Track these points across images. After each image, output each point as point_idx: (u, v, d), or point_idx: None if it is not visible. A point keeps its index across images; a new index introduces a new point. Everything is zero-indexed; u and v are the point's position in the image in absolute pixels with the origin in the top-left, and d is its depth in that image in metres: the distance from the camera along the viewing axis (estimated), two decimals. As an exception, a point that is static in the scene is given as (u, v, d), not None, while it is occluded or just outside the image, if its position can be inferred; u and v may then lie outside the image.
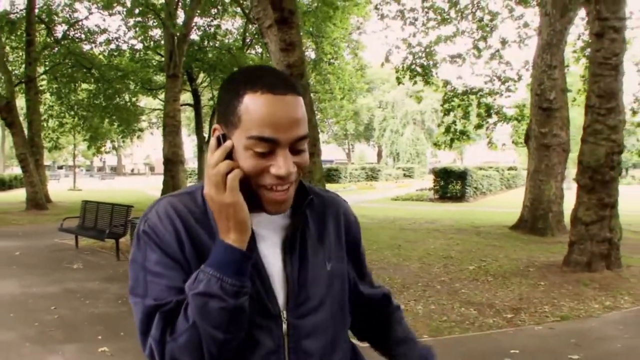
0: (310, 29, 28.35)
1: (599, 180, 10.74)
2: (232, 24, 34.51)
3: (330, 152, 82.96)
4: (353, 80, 35.21)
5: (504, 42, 21.49)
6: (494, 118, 21.61)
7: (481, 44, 22.05)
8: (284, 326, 1.55)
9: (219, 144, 1.48)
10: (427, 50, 22.16)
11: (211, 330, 1.38)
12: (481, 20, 22.02)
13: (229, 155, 1.46)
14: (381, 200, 33.00)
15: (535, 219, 16.62)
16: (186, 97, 38.94)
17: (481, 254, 12.91)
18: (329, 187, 39.44)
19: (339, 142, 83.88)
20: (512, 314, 8.19)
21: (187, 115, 55.21)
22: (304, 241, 1.64)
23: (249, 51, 33.03)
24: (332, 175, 53.15)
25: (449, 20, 22.26)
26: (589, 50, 20.56)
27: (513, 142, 27.63)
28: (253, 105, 1.43)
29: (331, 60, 31.14)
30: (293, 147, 1.48)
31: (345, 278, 1.75)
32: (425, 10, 22.33)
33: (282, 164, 1.44)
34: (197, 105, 37.28)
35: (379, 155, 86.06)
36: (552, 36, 15.78)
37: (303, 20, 26.31)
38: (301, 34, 26.78)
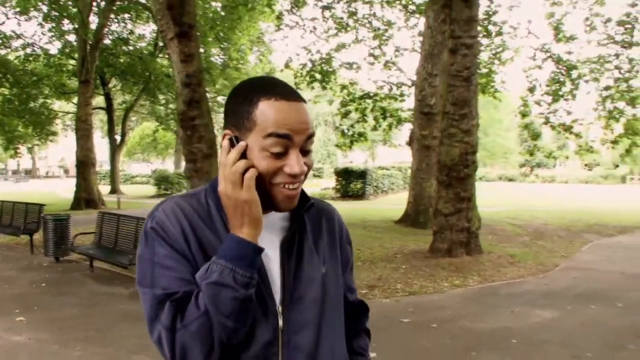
0: (218, 35, 29.03)
1: (455, 177, 12.30)
2: (144, 29, 34.84)
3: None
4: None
5: (397, 50, 22.92)
6: (389, 120, 22.98)
7: (377, 52, 23.40)
8: (280, 321, 1.63)
9: (231, 145, 1.58)
10: (327, 57, 23.36)
11: (222, 318, 1.46)
12: (377, 29, 23.35)
13: (243, 155, 1.56)
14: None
15: (417, 214, 18.20)
16: (100, 100, 39.33)
17: (359, 244, 14.06)
18: None
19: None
20: (367, 290, 9.55)
21: (100, 118, 55.15)
22: (301, 243, 1.74)
23: (160, 56, 33.42)
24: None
25: (347, 30, 23.50)
26: (480, 57, 22.39)
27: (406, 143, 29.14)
28: (269, 109, 1.55)
29: (238, 66, 31.89)
30: (302, 149, 1.59)
31: (339, 282, 1.86)
32: (325, 19, 23.51)
33: (295, 163, 1.56)
34: (109, 109, 37.79)
35: None
36: (433, 47, 17.27)
37: (211, 26, 27.15)
38: (210, 39, 27.68)
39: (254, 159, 1.56)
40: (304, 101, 1.63)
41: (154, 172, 44.47)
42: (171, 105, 34.74)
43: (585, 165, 72.19)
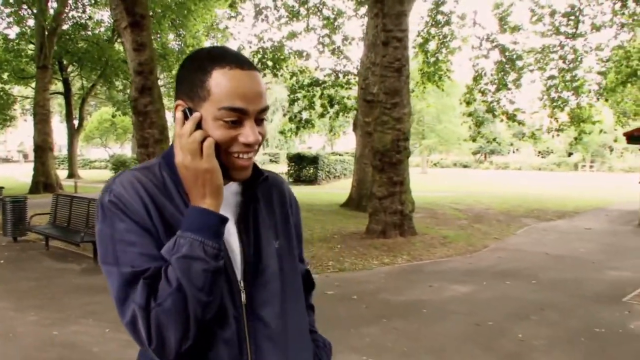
0: (174, 22, 29.19)
1: (387, 162, 12.93)
2: (101, 15, 34.58)
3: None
4: (213, 71, 35.69)
5: (345, 39, 23.41)
6: (336, 108, 23.48)
7: (326, 40, 23.85)
8: (243, 296, 1.62)
9: (185, 117, 1.55)
10: (279, 45, 23.77)
11: (196, 292, 1.44)
12: (327, 18, 23.80)
13: (198, 126, 1.53)
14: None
15: (360, 198, 18.84)
16: (59, 85, 39.16)
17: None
18: None
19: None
20: (299, 267, 10.14)
21: (59, 103, 54.86)
22: (256, 217, 1.73)
23: (119, 41, 33.25)
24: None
25: (299, 18, 23.92)
26: (428, 46, 23.03)
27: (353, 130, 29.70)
28: (223, 79, 1.52)
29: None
30: (257, 118, 1.58)
31: (294, 255, 1.86)
32: (277, 8, 23.92)
33: (250, 133, 1.54)
34: (67, 94, 37.72)
35: None
36: (376, 37, 17.80)
37: (163, 14, 27.31)
38: (166, 25, 27.81)
39: (209, 129, 1.55)
40: (258, 70, 1.61)
41: (111, 156, 44.36)
42: (128, 91, 34.70)
43: (539, 152, 73.60)
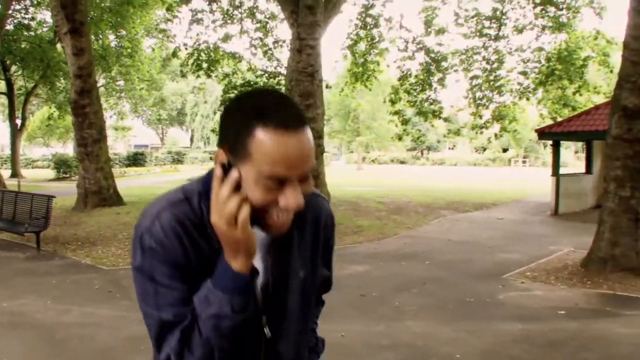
0: (112, 24, 29.43)
1: (302, 159, 14.10)
2: (44, 16, 34.20)
3: (145, 137, 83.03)
4: (152, 72, 36.86)
5: (276, 42, 24.26)
6: None
7: (259, 43, 24.63)
8: (266, 330, 1.63)
9: (224, 170, 1.49)
10: (214, 47, 24.40)
11: (224, 343, 1.52)
12: (260, 21, 24.59)
13: (237, 185, 1.48)
14: (178, 182, 35.22)
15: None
16: (2, 84, 39.27)
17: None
18: (135, 170, 40.16)
19: (154, 126, 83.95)
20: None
21: (2, 102, 54.54)
22: (286, 249, 1.69)
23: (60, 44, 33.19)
24: (138, 159, 55.08)
25: (233, 21, 24.58)
26: (358, 47, 24.03)
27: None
28: (266, 141, 1.43)
29: (132, 54, 32.27)
30: (301, 179, 1.50)
31: (316, 285, 1.85)
32: (212, 11, 24.52)
33: (291, 198, 1.48)
34: (10, 94, 37.86)
35: (191, 139, 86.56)
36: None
37: (100, 18, 27.79)
38: (106, 27, 28.25)
39: (248, 188, 1.48)
40: (306, 124, 1.52)
41: (54, 155, 44.30)
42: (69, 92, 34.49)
43: (475, 149, 75.50)
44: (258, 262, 1.61)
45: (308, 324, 1.85)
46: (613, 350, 6.24)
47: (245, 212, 1.46)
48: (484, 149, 72.52)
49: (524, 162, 69.38)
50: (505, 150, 72.93)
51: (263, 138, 1.44)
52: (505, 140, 58.23)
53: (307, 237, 1.77)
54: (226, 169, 1.49)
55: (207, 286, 1.52)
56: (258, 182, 1.47)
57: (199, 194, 1.60)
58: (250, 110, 1.49)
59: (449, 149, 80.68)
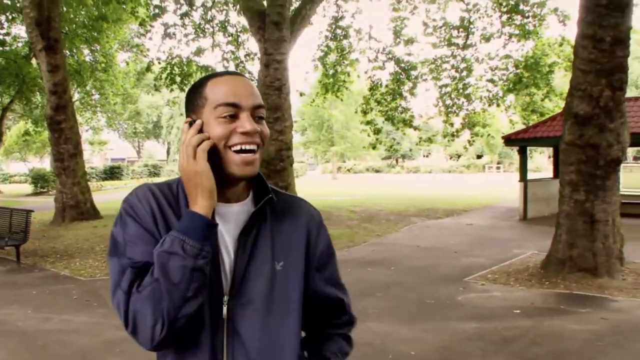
0: (87, 38, 29.36)
1: (273, 169, 14.57)
2: (19, 30, 34.07)
3: (122, 150, 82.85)
4: (127, 86, 36.81)
5: (247, 55, 24.55)
6: None
7: (231, 56, 24.86)
8: (224, 309, 1.68)
9: (190, 127, 1.68)
10: (187, 60, 24.58)
11: (171, 286, 1.52)
12: (231, 35, 24.83)
13: (200, 132, 1.65)
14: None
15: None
16: None
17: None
18: (112, 184, 40.19)
19: (130, 139, 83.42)
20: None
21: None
22: (257, 237, 1.75)
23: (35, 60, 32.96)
24: (115, 172, 55.03)
25: (205, 35, 24.78)
26: (328, 59, 24.35)
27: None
28: (217, 84, 1.69)
29: (105, 68, 32.33)
30: (253, 114, 1.68)
31: (297, 280, 1.83)
32: (185, 25, 24.69)
33: (246, 122, 1.64)
34: (-13, 106, 37.13)
35: (168, 152, 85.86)
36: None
37: (78, 32, 27.85)
38: (80, 42, 28.26)
39: (210, 130, 1.65)
40: (249, 79, 1.75)
41: (31, 170, 44.09)
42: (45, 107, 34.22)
43: (450, 156, 76.09)
44: (230, 244, 1.72)
45: (286, 321, 1.79)
46: (562, 345, 6.61)
47: (205, 144, 1.62)
48: (459, 156, 73.20)
49: (497, 168, 70.09)
50: (479, 157, 73.60)
51: (215, 83, 1.69)
52: (479, 147, 58.86)
53: (286, 232, 1.83)
54: (191, 124, 1.68)
55: (167, 234, 1.61)
56: (216, 117, 1.65)
57: (178, 180, 1.75)
58: (204, 77, 1.76)
59: (424, 156, 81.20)
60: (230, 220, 1.73)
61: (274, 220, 1.80)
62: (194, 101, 1.72)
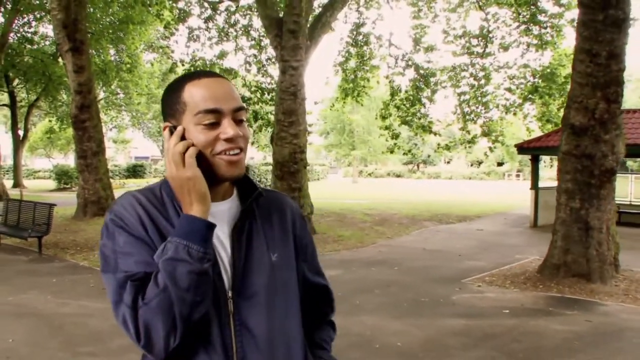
0: (112, 39, 30.01)
1: (287, 171, 15.08)
2: (46, 29, 34.44)
3: (146, 149, 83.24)
4: (151, 87, 37.53)
5: (269, 59, 24.94)
6: (260, 122, 24.78)
7: (253, 59, 25.28)
8: (230, 305, 1.69)
9: (171, 133, 1.66)
10: (210, 63, 25.00)
11: (181, 292, 1.52)
12: (254, 39, 25.29)
13: (183, 138, 1.64)
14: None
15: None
16: (5, 97, 39.87)
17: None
18: (134, 182, 40.67)
19: (154, 138, 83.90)
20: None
21: (4, 114, 54.78)
22: (251, 232, 1.79)
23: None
24: (137, 170, 55.80)
25: (228, 38, 25.20)
26: (349, 64, 24.75)
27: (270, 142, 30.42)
28: (195, 89, 1.66)
29: (131, 68, 32.68)
30: (235, 118, 1.67)
31: (292, 269, 1.90)
32: (209, 29, 25.10)
33: (228, 128, 1.63)
34: (13, 106, 38.16)
35: None
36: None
37: (104, 33, 28.50)
38: (106, 42, 28.83)
39: (192, 137, 1.64)
40: (228, 80, 1.73)
41: (55, 166, 44.38)
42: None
43: (471, 163, 76.11)
44: (224, 241, 1.75)
45: (289, 310, 1.85)
46: (540, 343, 7.03)
47: (191, 150, 1.62)
48: (479, 163, 73.16)
49: (517, 175, 69.92)
50: (500, 164, 73.49)
51: (193, 87, 1.67)
52: (499, 154, 58.94)
53: (275, 225, 1.87)
54: (172, 131, 1.67)
55: (165, 241, 1.60)
56: (197, 124, 1.65)
57: (160, 184, 1.78)
58: (180, 79, 1.74)
59: (445, 162, 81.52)
60: (220, 218, 1.74)
61: (262, 215, 1.84)
62: (172, 105, 1.72)
